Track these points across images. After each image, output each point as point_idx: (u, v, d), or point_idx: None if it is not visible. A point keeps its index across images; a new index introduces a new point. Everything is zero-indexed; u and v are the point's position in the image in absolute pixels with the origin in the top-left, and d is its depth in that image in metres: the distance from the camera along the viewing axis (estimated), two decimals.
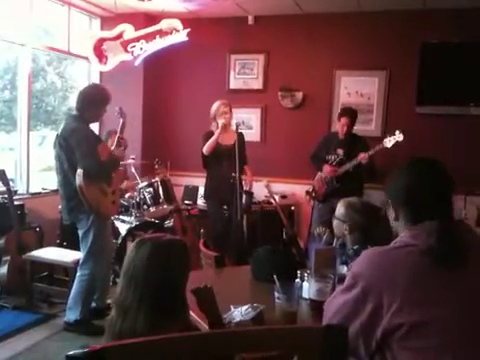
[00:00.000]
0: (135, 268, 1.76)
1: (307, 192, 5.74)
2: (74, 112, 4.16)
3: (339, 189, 5.34)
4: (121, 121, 4.40)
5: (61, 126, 4.13)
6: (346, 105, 5.80)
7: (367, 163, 5.17)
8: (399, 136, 5.15)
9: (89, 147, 3.96)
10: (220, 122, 5.19)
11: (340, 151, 5.42)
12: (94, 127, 5.15)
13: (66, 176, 4.03)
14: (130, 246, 1.88)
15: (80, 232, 4.17)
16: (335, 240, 2.97)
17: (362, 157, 5.14)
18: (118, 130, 4.38)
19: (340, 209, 2.95)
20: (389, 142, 5.17)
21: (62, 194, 4.13)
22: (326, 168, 5.44)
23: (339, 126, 5.45)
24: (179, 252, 1.85)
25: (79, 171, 3.90)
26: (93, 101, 4.08)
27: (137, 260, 1.77)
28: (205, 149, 5.21)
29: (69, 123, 4.06)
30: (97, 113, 4.16)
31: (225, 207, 5.35)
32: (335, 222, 2.97)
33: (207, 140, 5.25)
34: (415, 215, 1.66)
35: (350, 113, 5.45)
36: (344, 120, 5.39)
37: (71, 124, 4.03)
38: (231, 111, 5.34)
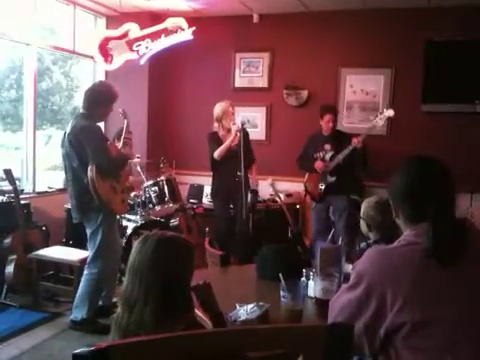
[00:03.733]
0: (141, 263, 1.77)
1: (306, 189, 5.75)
2: (82, 111, 4.16)
3: (334, 185, 5.34)
4: (125, 122, 4.43)
5: (69, 125, 4.11)
6: (325, 104, 5.72)
7: (360, 149, 5.13)
8: (389, 111, 5.12)
9: (100, 143, 4.00)
10: (233, 128, 5.14)
11: (327, 146, 5.42)
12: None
13: (76, 174, 4.04)
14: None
15: (88, 231, 4.17)
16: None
17: (356, 142, 5.11)
18: (123, 131, 4.39)
19: (362, 207, 2.96)
20: (380, 120, 5.13)
21: (71, 192, 4.13)
22: (318, 164, 5.43)
23: (324, 123, 5.44)
24: (184, 248, 1.87)
25: (91, 167, 3.91)
26: (101, 99, 4.10)
27: (142, 255, 1.78)
28: (217, 155, 5.17)
29: (79, 121, 4.05)
30: (105, 110, 4.16)
31: (231, 206, 5.35)
32: (360, 221, 2.96)
33: (214, 143, 5.24)
34: (413, 214, 1.66)
35: (333, 109, 5.49)
36: (328, 117, 5.40)
37: (80, 122, 4.03)
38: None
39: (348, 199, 5.45)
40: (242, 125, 5.11)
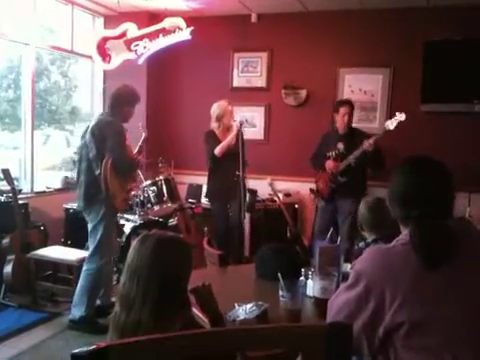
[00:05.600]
0: (139, 262, 1.77)
1: (311, 190, 5.67)
2: (107, 110, 4.35)
3: (343, 186, 5.28)
4: (143, 135, 4.73)
5: (95, 118, 4.33)
6: (341, 98, 5.73)
7: (373, 150, 5.02)
8: (401, 116, 5.02)
9: (121, 140, 4.16)
10: (234, 124, 5.13)
11: (340, 145, 5.30)
12: None
13: (90, 164, 4.17)
14: None
15: (90, 225, 4.24)
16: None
17: (367, 145, 4.99)
18: (141, 141, 4.65)
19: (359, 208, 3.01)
20: (391, 124, 5.02)
21: (82, 181, 4.23)
22: (329, 163, 5.32)
23: (339, 118, 5.32)
24: (183, 248, 1.89)
25: (106, 159, 4.05)
26: (125, 101, 4.29)
27: (141, 254, 1.79)
28: (218, 151, 5.12)
29: (105, 117, 4.27)
30: (128, 111, 4.32)
31: (229, 206, 5.34)
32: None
33: (213, 141, 5.21)
34: (411, 215, 1.66)
35: (349, 103, 5.38)
36: (344, 110, 5.28)
37: (107, 118, 4.24)
38: None
39: (355, 203, 5.37)
40: (241, 125, 5.10)
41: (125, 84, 4.46)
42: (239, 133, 5.05)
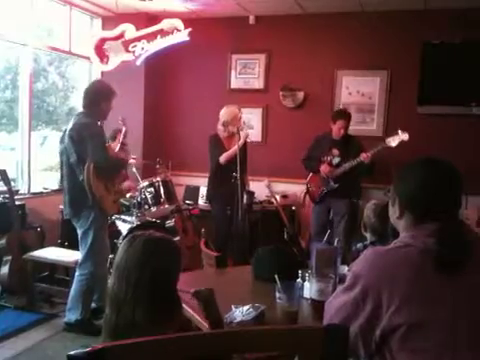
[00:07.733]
0: (127, 263, 1.76)
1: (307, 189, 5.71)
2: (83, 110, 4.19)
3: (336, 189, 5.33)
4: (124, 129, 4.48)
5: (71, 122, 4.16)
6: (341, 107, 5.74)
7: (368, 163, 5.14)
8: (404, 135, 5.13)
9: (101, 141, 4.05)
10: (242, 134, 5.05)
11: (335, 151, 5.38)
12: None
13: (72, 170, 4.06)
14: None
15: (80, 231, 4.18)
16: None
17: (365, 157, 5.11)
18: (121, 137, 4.46)
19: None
20: (393, 141, 5.13)
21: (66, 188, 4.15)
22: (323, 168, 5.38)
23: (335, 128, 5.40)
24: (171, 247, 1.87)
25: (89, 163, 3.93)
26: (101, 96, 4.13)
27: (129, 255, 1.78)
28: (224, 160, 5.10)
29: (81, 118, 4.09)
30: (105, 107, 4.16)
31: (229, 208, 5.31)
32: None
33: (218, 147, 5.19)
34: (421, 217, 1.65)
35: (346, 116, 5.44)
36: (341, 123, 5.35)
37: (83, 119, 4.07)
38: None
39: (349, 203, 5.42)
40: (246, 136, 5.10)
41: (98, 79, 4.39)
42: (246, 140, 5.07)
